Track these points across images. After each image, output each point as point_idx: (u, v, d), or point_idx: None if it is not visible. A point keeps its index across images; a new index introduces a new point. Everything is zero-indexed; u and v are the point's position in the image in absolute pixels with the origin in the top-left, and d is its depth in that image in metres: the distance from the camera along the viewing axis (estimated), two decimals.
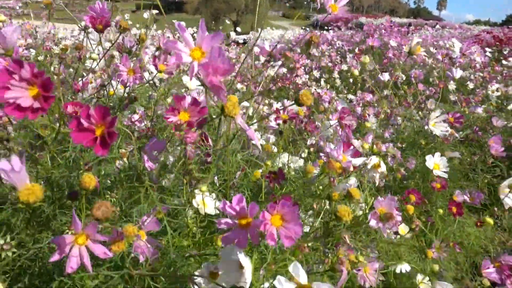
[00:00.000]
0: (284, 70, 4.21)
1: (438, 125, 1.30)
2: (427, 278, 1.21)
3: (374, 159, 0.82)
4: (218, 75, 0.55)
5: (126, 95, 1.20)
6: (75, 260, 0.59)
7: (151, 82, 1.17)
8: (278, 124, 1.19)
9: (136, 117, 1.50)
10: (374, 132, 2.37)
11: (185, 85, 1.26)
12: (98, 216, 0.48)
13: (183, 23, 0.58)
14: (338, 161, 0.81)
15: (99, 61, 1.35)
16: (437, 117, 1.30)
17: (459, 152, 2.00)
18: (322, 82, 4.34)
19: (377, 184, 0.85)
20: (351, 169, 0.86)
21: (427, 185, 1.77)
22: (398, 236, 1.32)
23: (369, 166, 0.82)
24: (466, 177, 2.03)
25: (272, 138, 1.45)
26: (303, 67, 4.37)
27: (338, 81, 4.43)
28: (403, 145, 2.23)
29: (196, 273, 0.67)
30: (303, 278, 0.46)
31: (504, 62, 3.67)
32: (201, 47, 0.58)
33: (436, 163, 1.13)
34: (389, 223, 0.84)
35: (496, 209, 1.99)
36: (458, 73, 2.17)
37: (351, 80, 4.40)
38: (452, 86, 2.99)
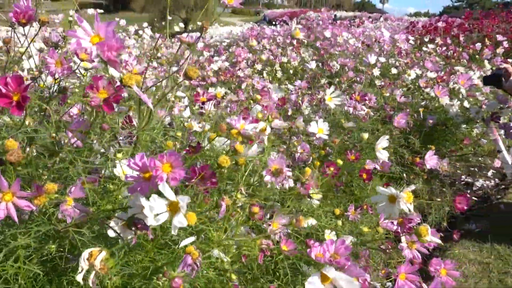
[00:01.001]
0: (227, 64, 4.37)
1: (333, 100, 1.51)
2: (334, 233, 1.42)
3: (262, 124, 1.00)
4: (113, 51, 0.70)
5: (56, 86, 1.30)
6: (2, 212, 0.71)
7: (77, 71, 1.28)
8: (201, 107, 1.35)
9: (75, 111, 1.60)
10: (304, 115, 2.60)
11: (111, 74, 1.39)
12: (11, 160, 0.61)
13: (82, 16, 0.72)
14: (236, 128, 0.98)
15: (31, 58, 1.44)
16: (332, 93, 1.52)
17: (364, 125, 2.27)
18: (265, 74, 4.54)
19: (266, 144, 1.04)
20: (250, 134, 1.03)
21: (345, 158, 2.01)
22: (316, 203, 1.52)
23: (257, 130, 1.00)
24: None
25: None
26: (245, 61, 4.55)
27: (279, 73, 4.65)
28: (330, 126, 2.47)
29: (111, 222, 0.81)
30: (171, 196, 0.62)
31: (424, 48, 4.05)
32: (99, 33, 0.73)
33: (320, 128, 1.34)
34: (280, 177, 1.02)
35: (405, 175, 2.27)
36: (372, 58, 2.43)
37: (291, 71, 4.65)
38: (376, 72, 3.29)
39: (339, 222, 1.39)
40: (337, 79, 3.67)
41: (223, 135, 0.89)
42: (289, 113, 2.64)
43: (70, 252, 0.97)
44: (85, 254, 0.60)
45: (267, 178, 1.01)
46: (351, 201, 2.10)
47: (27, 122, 0.80)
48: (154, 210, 0.63)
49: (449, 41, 4.58)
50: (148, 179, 0.79)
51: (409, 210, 0.85)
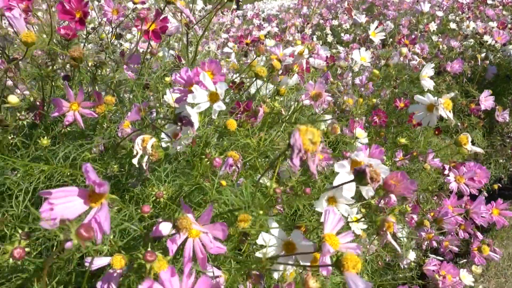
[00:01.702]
0: (276, 29, 4.37)
1: (377, 35, 1.49)
2: None
3: (299, 47, 1.03)
4: None
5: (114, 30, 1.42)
6: (70, 118, 0.83)
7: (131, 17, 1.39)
8: (242, 48, 1.41)
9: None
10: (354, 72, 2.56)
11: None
12: (74, 55, 0.71)
13: None
14: (276, 54, 1.03)
15: None
16: (376, 28, 1.50)
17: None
18: (315, 39, 4.48)
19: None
20: (289, 62, 1.07)
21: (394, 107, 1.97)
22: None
23: (295, 53, 1.03)
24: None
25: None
26: (294, 26, 4.51)
27: (330, 37, 4.56)
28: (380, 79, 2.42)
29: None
30: (211, 86, 0.69)
31: (489, 1, 3.75)
32: None
33: (363, 56, 1.33)
34: (319, 101, 1.05)
35: (459, 123, 2.18)
36: (426, 6, 2.32)
37: (342, 35, 4.54)
38: (433, 27, 3.13)
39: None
40: (391, 39, 3.54)
41: (261, 54, 0.94)
42: (339, 72, 2.62)
43: (129, 173, 1.09)
44: (139, 139, 0.68)
45: (306, 102, 1.05)
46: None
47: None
48: (196, 99, 0.70)
49: None
50: (191, 91, 0.86)
51: (448, 117, 0.85)
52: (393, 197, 0.96)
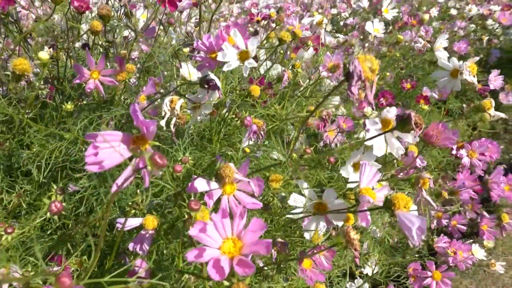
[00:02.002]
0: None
1: (390, 12, 1.49)
2: None
3: (318, 17, 1.03)
4: None
5: None
6: (91, 86, 0.81)
7: None
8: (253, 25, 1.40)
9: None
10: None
11: None
12: (103, 13, 0.70)
13: None
14: (293, 25, 1.01)
15: None
16: (388, 4, 1.49)
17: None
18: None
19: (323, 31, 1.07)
20: (305, 35, 1.06)
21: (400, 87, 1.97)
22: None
23: (314, 22, 1.03)
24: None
25: None
26: (293, 14, 4.49)
27: (329, 27, 4.54)
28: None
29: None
30: (241, 44, 0.68)
31: None
32: None
33: (376, 28, 1.32)
34: (337, 72, 1.04)
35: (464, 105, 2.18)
36: None
37: (341, 23, 4.53)
38: (434, 12, 3.13)
39: None
40: (391, 27, 3.54)
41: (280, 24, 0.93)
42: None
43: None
44: (167, 100, 0.67)
45: (324, 74, 1.04)
46: None
47: None
48: (226, 57, 0.69)
49: None
50: (214, 59, 0.85)
51: (473, 81, 0.84)
52: (415, 158, 0.96)
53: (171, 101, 0.67)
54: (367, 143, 0.68)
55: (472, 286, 1.86)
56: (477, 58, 0.85)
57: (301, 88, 1.16)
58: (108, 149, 0.45)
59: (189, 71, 1.09)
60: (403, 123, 0.48)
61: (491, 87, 1.66)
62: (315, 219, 0.65)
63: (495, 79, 1.63)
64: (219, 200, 0.58)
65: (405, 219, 0.43)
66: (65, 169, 1.00)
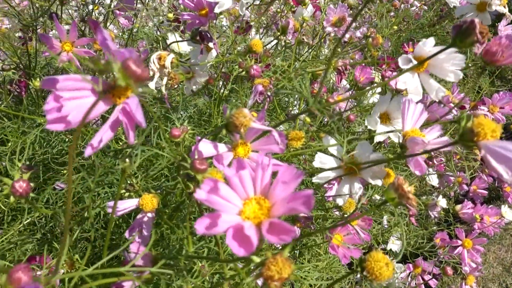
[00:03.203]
0: None
1: None
2: None
3: None
4: None
5: None
6: (64, 58, 0.69)
7: None
8: None
9: None
10: None
11: None
12: None
13: None
14: None
15: None
16: None
17: None
18: None
19: None
20: None
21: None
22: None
23: None
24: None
25: None
26: None
27: None
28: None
29: None
30: None
31: None
32: None
33: None
34: (342, 26, 0.93)
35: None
36: None
37: None
38: None
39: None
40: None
41: None
42: None
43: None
44: (154, 57, 0.56)
45: (329, 29, 0.93)
46: None
47: None
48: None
49: None
50: (204, 15, 0.73)
51: (505, 12, 0.73)
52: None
53: (159, 58, 0.55)
54: (399, 86, 0.56)
55: (501, 252, 1.76)
56: None
57: (304, 50, 1.05)
58: (76, 100, 0.33)
59: (178, 43, 0.97)
60: (463, 34, 0.37)
61: (503, 37, 1.54)
62: (347, 180, 0.54)
63: (506, 28, 1.51)
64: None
65: (499, 149, 0.31)
66: (48, 164, 0.89)
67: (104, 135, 0.34)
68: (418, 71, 0.56)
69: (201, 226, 0.28)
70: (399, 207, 0.43)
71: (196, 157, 0.42)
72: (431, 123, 0.59)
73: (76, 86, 0.34)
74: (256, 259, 0.29)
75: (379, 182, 0.53)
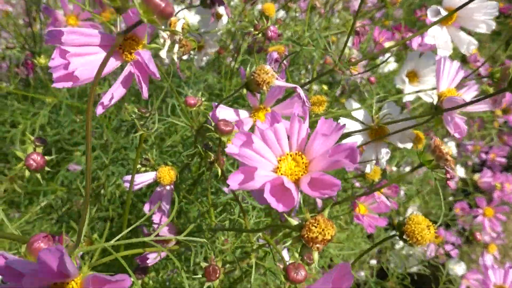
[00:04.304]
0: None
1: None
2: None
3: None
4: None
5: None
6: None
7: None
8: None
9: None
10: None
11: None
12: None
13: None
14: None
15: None
16: None
17: None
18: None
19: None
20: None
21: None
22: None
23: None
24: None
25: None
26: None
27: None
28: None
29: None
30: None
31: None
32: None
33: None
34: None
35: None
36: None
37: None
38: None
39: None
40: None
41: None
42: None
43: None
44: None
45: None
46: None
47: None
48: None
49: None
50: None
51: None
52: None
53: (169, 24, 0.52)
54: (428, 40, 0.52)
55: None
56: None
57: (315, 20, 1.00)
58: (84, 57, 0.31)
59: (185, 15, 0.94)
60: None
61: None
62: (373, 145, 0.51)
63: None
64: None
65: None
66: (60, 145, 0.87)
67: (115, 91, 0.32)
68: (446, 24, 0.52)
69: (234, 181, 0.26)
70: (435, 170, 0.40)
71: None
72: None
73: (83, 41, 0.31)
74: (293, 221, 0.26)
75: (408, 145, 0.50)
